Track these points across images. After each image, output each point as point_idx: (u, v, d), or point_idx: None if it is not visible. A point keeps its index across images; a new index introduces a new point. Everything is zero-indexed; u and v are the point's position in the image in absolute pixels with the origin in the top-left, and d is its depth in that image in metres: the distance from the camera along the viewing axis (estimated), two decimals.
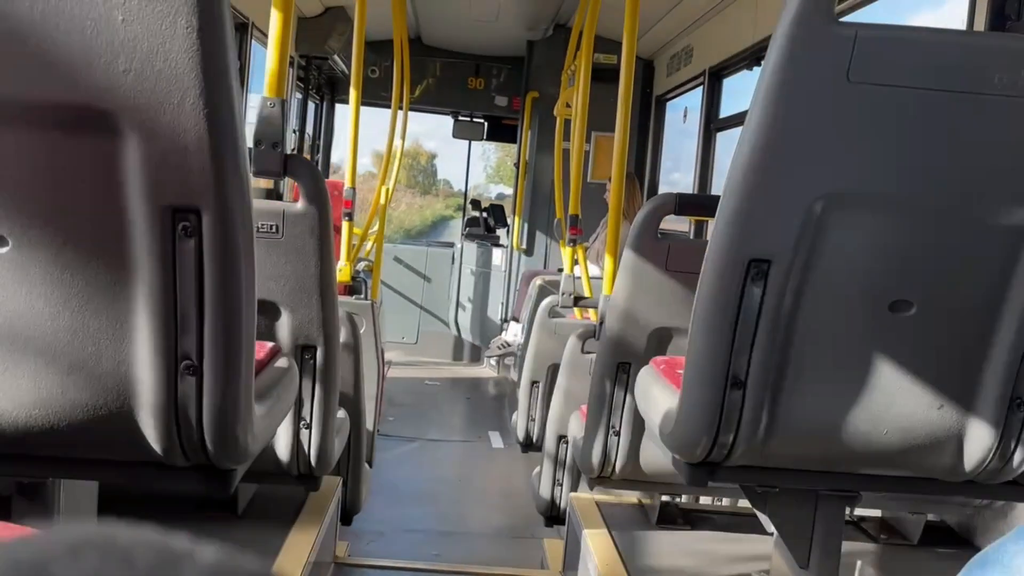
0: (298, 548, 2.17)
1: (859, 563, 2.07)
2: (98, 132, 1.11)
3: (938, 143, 1.33)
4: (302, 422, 2.14)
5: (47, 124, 1.11)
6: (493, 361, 7.54)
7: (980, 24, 2.61)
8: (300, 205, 1.97)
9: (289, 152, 2.01)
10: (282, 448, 2.18)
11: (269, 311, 2.03)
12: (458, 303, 8.01)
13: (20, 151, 1.12)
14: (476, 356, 8.02)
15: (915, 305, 1.43)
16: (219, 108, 1.11)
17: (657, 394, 1.79)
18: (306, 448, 2.17)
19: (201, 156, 1.12)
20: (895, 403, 1.48)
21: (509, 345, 6.61)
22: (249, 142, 1.97)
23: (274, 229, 1.97)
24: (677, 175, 6.90)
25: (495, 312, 7.60)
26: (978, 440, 1.50)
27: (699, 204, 2.52)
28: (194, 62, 1.08)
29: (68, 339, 1.20)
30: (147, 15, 1.06)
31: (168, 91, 1.09)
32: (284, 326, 2.05)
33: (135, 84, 1.08)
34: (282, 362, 1.69)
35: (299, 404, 2.12)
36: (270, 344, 1.73)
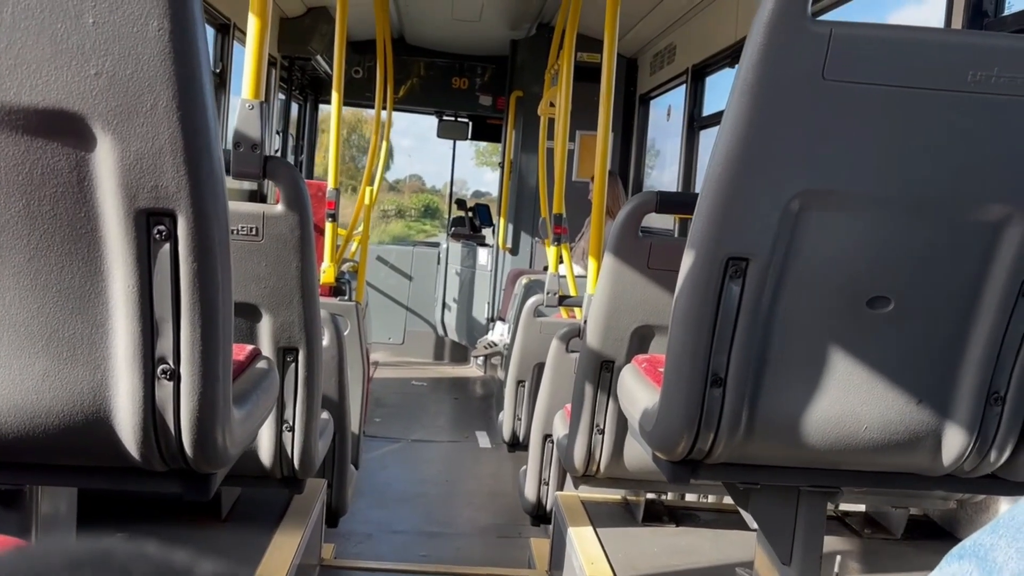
0: (283, 551, 2.17)
1: (839, 558, 2.08)
2: (70, 136, 1.11)
3: (913, 140, 1.33)
4: (285, 425, 2.14)
5: (17, 128, 1.10)
6: (480, 361, 7.54)
7: (957, 22, 2.63)
8: (280, 207, 1.96)
9: (272, 154, 2.01)
10: (265, 451, 2.17)
11: (250, 313, 2.02)
12: (444, 303, 8.00)
13: None
14: (462, 356, 8.01)
15: (892, 301, 1.43)
16: (192, 111, 1.10)
17: (639, 392, 1.79)
18: (289, 451, 2.17)
19: (175, 159, 1.11)
20: (874, 399, 1.49)
21: (495, 345, 6.61)
22: (230, 144, 1.97)
23: (254, 232, 1.96)
24: (659, 173, 6.91)
25: (481, 312, 7.60)
26: (956, 434, 1.51)
27: (680, 202, 2.52)
28: (166, 64, 1.07)
29: (43, 344, 1.20)
30: (118, 18, 1.06)
31: (140, 94, 1.08)
32: (265, 328, 2.04)
33: (107, 87, 1.08)
34: (262, 364, 1.68)
35: (281, 407, 2.11)
36: (249, 347, 1.72)
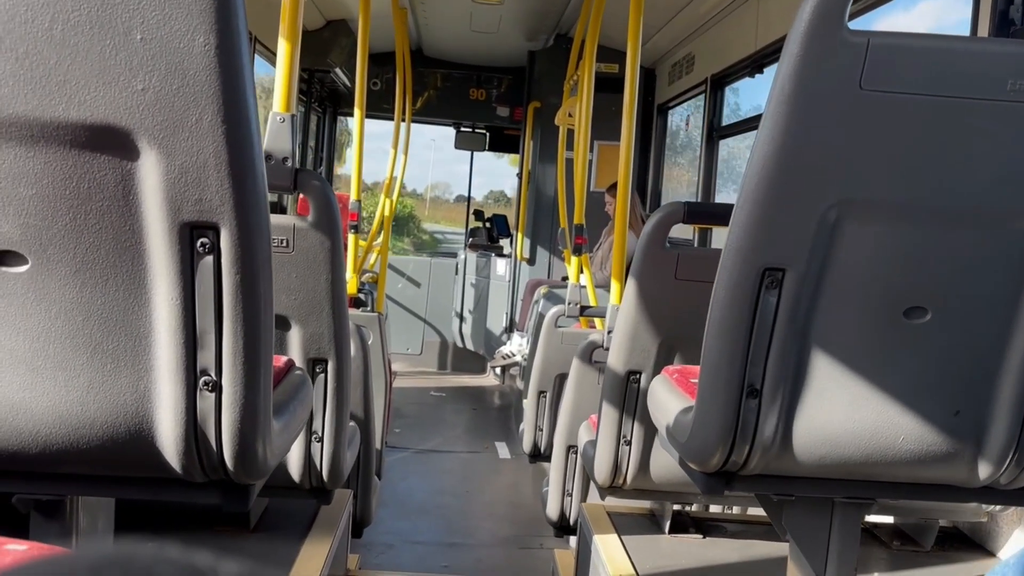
0: (311, 561, 2.17)
1: (873, 572, 2.06)
2: (116, 151, 1.12)
3: (951, 150, 1.33)
4: (314, 435, 2.14)
5: (65, 143, 1.11)
6: (497, 371, 7.54)
7: (984, 30, 2.62)
8: (310, 219, 1.97)
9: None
10: (294, 462, 2.17)
11: (280, 325, 2.04)
12: (461, 313, 8.02)
13: (38, 170, 1.13)
14: (480, 366, 8.02)
15: (930, 311, 1.43)
16: (237, 125, 1.11)
17: (671, 403, 1.78)
18: (318, 461, 2.17)
19: (219, 173, 1.12)
20: (911, 410, 1.48)
21: (513, 355, 6.61)
22: None
23: (285, 243, 1.97)
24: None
25: (498, 322, 7.60)
26: (995, 446, 1.50)
27: (708, 213, 2.51)
28: (212, 79, 1.08)
29: (87, 357, 1.21)
30: (165, 34, 1.07)
31: (186, 109, 1.09)
32: (295, 340, 2.05)
33: (153, 102, 1.09)
34: (297, 375, 1.69)
35: (311, 417, 2.12)
36: (285, 358, 1.73)
